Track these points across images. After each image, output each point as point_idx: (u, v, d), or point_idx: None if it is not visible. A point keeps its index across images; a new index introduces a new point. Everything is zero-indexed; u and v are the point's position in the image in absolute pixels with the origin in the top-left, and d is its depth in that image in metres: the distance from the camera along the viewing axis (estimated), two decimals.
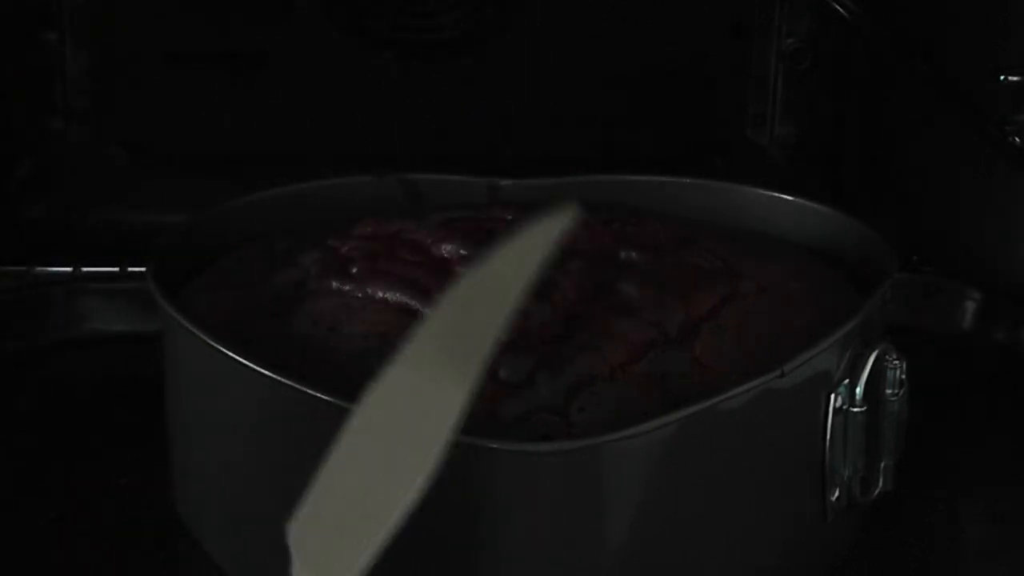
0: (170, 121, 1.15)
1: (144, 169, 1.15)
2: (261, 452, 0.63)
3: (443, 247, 0.70)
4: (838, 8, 1.11)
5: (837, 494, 0.65)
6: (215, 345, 0.63)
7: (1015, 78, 0.89)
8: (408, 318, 0.65)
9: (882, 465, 0.68)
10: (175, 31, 1.13)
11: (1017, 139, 0.89)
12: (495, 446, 0.57)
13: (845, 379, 0.64)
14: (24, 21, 1.11)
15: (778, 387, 0.61)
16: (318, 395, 0.59)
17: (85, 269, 0.96)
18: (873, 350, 0.65)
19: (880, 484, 0.68)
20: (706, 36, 1.15)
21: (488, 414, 0.60)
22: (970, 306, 0.93)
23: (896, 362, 0.66)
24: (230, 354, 0.62)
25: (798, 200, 0.80)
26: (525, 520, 0.58)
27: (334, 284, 0.68)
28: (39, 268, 0.96)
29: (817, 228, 0.78)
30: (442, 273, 0.67)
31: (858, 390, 0.65)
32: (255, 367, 0.61)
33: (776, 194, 0.80)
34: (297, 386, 0.60)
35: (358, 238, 0.72)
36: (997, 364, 0.90)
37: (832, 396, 0.64)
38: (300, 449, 0.61)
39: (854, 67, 1.10)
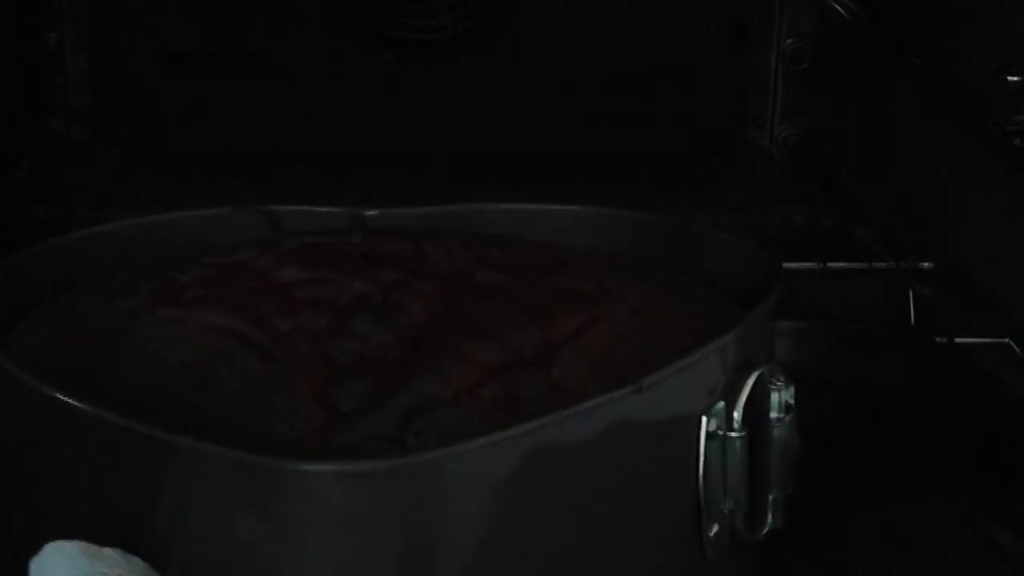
0: (170, 121, 1.15)
1: (144, 169, 1.15)
2: (88, 494, 0.57)
3: (284, 272, 0.66)
4: (838, 8, 1.11)
5: (716, 528, 0.59)
6: (27, 380, 0.57)
7: (1015, 78, 0.89)
8: (236, 343, 0.61)
9: (770, 499, 0.61)
10: (175, 31, 1.13)
11: (1017, 139, 0.88)
12: (304, 467, 0.52)
13: (720, 401, 0.59)
14: (24, 21, 1.11)
15: (640, 406, 0.56)
16: (131, 425, 0.54)
17: None
18: (754, 371, 0.60)
19: (769, 520, 0.61)
20: (706, 36, 1.15)
21: (321, 444, 0.56)
22: (966, 305, 0.93)
23: (781, 384, 0.60)
24: (45, 390, 0.56)
25: (680, 222, 0.75)
26: (335, 548, 0.52)
27: (164, 312, 0.64)
28: None
29: (703, 251, 0.73)
30: (279, 297, 0.64)
31: (736, 413, 0.59)
32: (72, 401, 0.55)
33: (657, 217, 0.76)
34: (115, 418, 0.54)
35: (201, 266, 0.68)
36: (995, 364, 0.89)
37: (703, 418, 0.58)
38: (122, 484, 0.55)
39: (854, 67, 1.10)
